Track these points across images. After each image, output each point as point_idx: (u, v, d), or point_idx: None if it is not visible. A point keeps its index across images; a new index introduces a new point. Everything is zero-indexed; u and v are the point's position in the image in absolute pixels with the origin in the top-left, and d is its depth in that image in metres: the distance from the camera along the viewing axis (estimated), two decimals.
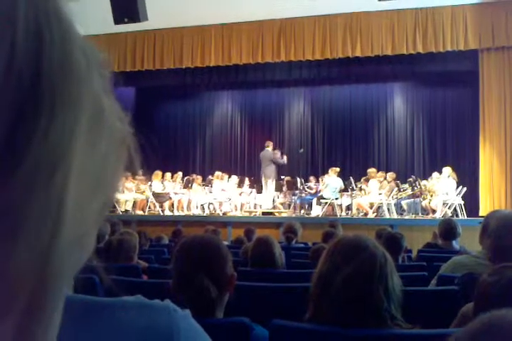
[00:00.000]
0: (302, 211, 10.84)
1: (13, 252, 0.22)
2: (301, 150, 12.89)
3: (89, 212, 0.27)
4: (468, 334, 0.56)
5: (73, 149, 0.24)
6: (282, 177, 11.43)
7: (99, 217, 0.29)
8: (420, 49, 10.50)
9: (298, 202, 10.87)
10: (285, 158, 11.25)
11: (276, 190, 11.20)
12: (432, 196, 9.75)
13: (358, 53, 10.80)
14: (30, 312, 0.24)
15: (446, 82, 12.25)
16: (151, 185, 11.02)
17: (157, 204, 10.92)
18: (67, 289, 0.38)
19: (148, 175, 11.56)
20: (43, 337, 0.25)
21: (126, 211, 11.00)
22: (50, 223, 0.23)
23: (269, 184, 10.89)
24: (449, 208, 9.47)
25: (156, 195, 10.90)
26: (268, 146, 11.07)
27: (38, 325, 0.25)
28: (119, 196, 10.95)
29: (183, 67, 11.77)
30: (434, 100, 13.00)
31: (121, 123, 0.30)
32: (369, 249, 1.35)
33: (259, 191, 11.30)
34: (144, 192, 11.07)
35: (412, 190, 9.97)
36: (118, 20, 9.48)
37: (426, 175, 11.13)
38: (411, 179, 10.13)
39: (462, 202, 9.68)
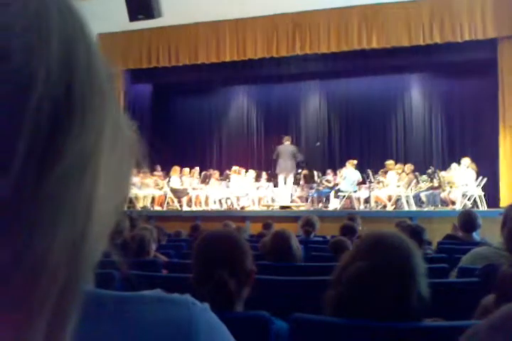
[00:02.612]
0: (320, 204, 10.80)
1: (53, 239, 0.25)
2: (318, 143, 12.85)
3: (110, 208, 0.30)
4: (487, 326, 0.56)
5: (100, 150, 0.27)
6: (299, 170, 11.39)
7: (116, 214, 0.32)
8: (437, 39, 10.35)
9: (315, 195, 10.83)
10: (301, 156, 11.20)
11: (293, 184, 11.16)
12: (451, 187, 9.65)
13: (374, 45, 10.69)
14: (63, 304, 0.26)
15: (464, 72, 12.07)
16: (169, 181, 11.09)
17: (175, 200, 10.98)
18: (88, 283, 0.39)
19: (167, 170, 11.64)
20: (69, 330, 0.27)
21: (145, 207, 11.09)
22: (83, 214, 0.26)
23: (290, 178, 10.84)
24: (468, 199, 9.37)
25: (174, 191, 10.96)
26: (287, 141, 10.96)
27: (68, 316, 0.26)
28: (138, 192, 11.06)
29: (199, 62, 11.78)
30: (452, 90, 12.82)
31: (130, 130, 0.33)
32: (404, 245, 1.34)
33: (277, 185, 11.27)
34: (162, 187, 11.15)
35: (431, 181, 9.87)
36: (133, 17, 9.53)
37: (445, 167, 10.98)
38: (429, 170, 10.03)
39: (482, 193, 9.56)
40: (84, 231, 0.26)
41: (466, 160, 9.72)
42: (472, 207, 9.06)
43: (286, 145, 10.89)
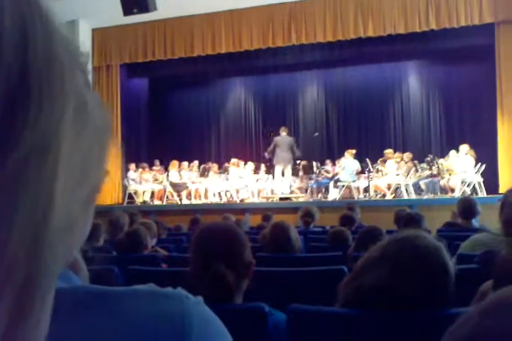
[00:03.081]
0: (319, 195, 10.81)
1: (11, 230, 0.24)
2: (316, 134, 12.84)
3: (76, 199, 0.29)
4: (479, 311, 0.55)
5: (61, 137, 0.26)
6: (298, 161, 11.38)
7: (87, 205, 0.31)
8: (433, 25, 10.31)
9: (315, 186, 10.84)
10: (299, 152, 11.10)
11: (292, 175, 11.15)
12: (450, 175, 9.65)
13: (371, 33, 10.65)
14: (23, 298, 0.25)
15: (462, 58, 12.03)
16: (168, 175, 11.10)
17: (175, 194, 10.99)
18: (83, 279, 0.38)
19: (165, 165, 11.65)
20: (35, 328, 0.26)
21: (145, 201, 11.11)
22: (42, 206, 0.25)
23: (288, 169, 10.84)
24: (467, 186, 9.37)
25: (173, 185, 10.97)
26: (284, 131, 10.92)
27: (32, 306, 0.26)
28: (137, 187, 11.07)
29: (195, 55, 11.73)
30: (450, 77, 12.79)
31: (103, 115, 0.32)
32: (433, 246, 1.33)
33: (274, 176, 11.25)
34: (161, 182, 11.16)
35: (430, 169, 9.87)
36: (127, 11, 9.49)
37: (443, 154, 10.98)
38: (428, 158, 10.03)
39: (481, 180, 9.56)
40: (44, 224, 0.25)
41: (464, 147, 9.72)
42: (471, 193, 9.07)
43: (284, 137, 10.83)
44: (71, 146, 0.27)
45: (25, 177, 0.24)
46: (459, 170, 9.44)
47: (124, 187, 11.38)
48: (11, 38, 0.24)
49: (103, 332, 0.36)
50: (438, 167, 9.77)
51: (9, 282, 0.24)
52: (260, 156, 13.56)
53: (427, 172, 9.93)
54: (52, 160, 0.26)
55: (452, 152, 10.06)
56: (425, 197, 9.72)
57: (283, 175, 10.85)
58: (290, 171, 10.91)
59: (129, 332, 0.37)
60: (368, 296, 1.28)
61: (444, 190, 9.90)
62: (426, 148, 12.57)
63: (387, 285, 1.26)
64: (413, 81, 13.47)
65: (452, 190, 9.48)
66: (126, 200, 11.16)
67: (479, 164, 9.58)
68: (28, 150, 0.24)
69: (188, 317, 0.39)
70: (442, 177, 9.81)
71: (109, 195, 11.41)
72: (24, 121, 0.24)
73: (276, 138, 10.88)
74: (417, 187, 10.09)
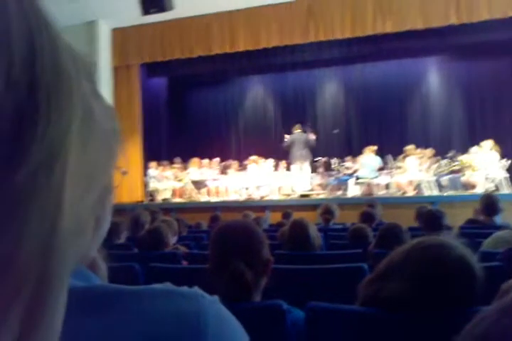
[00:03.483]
0: (339, 192, 10.76)
1: (21, 241, 0.24)
2: (336, 130, 12.77)
3: (86, 204, 0.29)
4: (497, 310, 0.55)
5: (68, 149, 0.26)
6: (317, 158, 11.34)
7: (96, 210, 0.31)
8: (454, 20, 10.15)
9: (335, 183, 10.79)
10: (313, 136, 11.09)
11: (312, 172, 11.12)
12: (472, 171, 9.51)
13: (389, 29, 10.51)
14: (34, 307, 0.25)
15: (482, 53, 11.83)
16: (188, 173, 11.16)
17: (195, 191, 11.05)
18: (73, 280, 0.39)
19: (187, 162, 11.72)
20: (47, 336, 0.26)
21: (166, 199, 11.19)
22: (51, 217, 0.26)
23: (306, 166, 10.83)
24: (491, 182, 9.21)
25: (194, 182, 11.03)
26: (298, 129, 10.91)
27: (43, 313, 0.26)
28: (158, 185, 11.16)
29: (213, 53, 11.75)
30: (470, 72, 12.58)
31: (111, 122, 0.32)
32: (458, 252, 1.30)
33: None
34: (182, 179, 11.23)
35: (452, 165, 9.74)
36: (145, 11, 9.57)
37: (465, 150, 10.82)
38: (450, 154, 9.90)
39: (507, 176, 9.37)
40: (54, 231, 0.26)
41: (488, 143, 9.53)
42: (494, 190, 8.91)
43: (298, 134, 10.85)
44: (78, 156, 0.27)
45: (33, 190, 0.25)
46: (482, 166, 9.29)
47: (145, 185, 11.47)
48: (19, 49, 0.24)
49: (120, 331, 0.37)
50: (460, 163, 9.64)
51: (19, 291, 0.24)
52: (280, 153, 13.53)
53: (449, 168, 9.80)
54: (59, 171, 0.26)
55: (474, 148, 9.90)
56: (447, 193, 9.60)
57: (301, 171, 10.85)
58: (308, 168, 10.89)
59: (145, 330, 0.37)
60: (386, 303, 1.27)
61: (465, 186, 9.76)
62: (447, 144, 12.38)
63: (408, 293, 1.25)
64: (433, 76, 13.29)
65: (474, 186, 9.34)
66: (147, 198, 11.25)
67: (504, 159, 9.39)
68: (36, 165, 0.24)
69: (203, 316, 0.39)
70: (464, 174, 9.67)
71: (131, 192, 11.52)
72: (32, 135, 0.24)
73: (292, 136, 10.90)
74: (438, 184, 9.97)
